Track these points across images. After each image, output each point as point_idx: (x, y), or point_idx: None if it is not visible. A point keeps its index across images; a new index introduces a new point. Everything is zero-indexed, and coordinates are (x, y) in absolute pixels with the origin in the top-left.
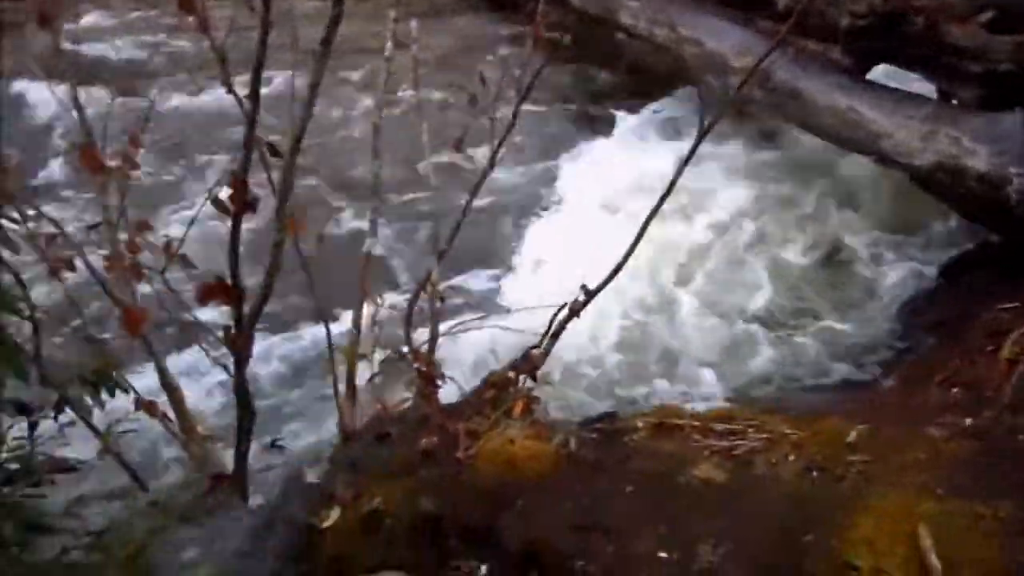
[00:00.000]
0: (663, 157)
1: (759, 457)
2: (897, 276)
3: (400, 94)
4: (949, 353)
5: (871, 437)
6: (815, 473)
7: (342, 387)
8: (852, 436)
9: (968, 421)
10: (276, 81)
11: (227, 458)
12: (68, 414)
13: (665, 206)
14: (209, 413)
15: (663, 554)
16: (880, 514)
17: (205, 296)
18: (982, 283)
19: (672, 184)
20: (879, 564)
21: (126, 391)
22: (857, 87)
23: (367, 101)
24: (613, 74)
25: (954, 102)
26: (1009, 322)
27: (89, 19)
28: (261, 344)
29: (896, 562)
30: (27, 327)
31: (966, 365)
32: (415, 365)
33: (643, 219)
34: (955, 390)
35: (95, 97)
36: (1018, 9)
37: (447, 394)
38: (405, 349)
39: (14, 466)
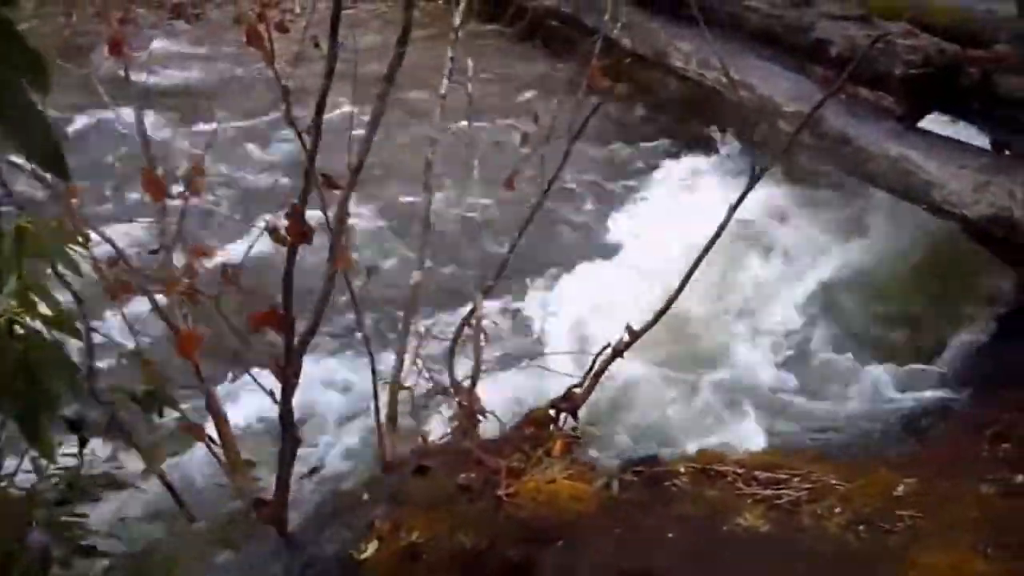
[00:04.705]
0: (713, 201)
1: (804, 508)
2: (948, 330)
3: (453, 130)
4: (999, 408)
5: (920, 492)
6: (862, 527)
7: (384, 418)
8: (900, 490)
9: (1020, 478)
10: (334, 113)
11: (268, 484)
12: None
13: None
14: (252, 439)
15: None
16: (928, 572)
17: (257, 323)
18: None
19: (720, 229)
20: None
21: (176, 411)
22: (909, 135)
23: (420, 135)
24: (664, 116)
25: (1007, 153)
26: None
27: (154, 47)
28: (306, 372)
29: None
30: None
31: (1017, 420)
32: (456, 399)
33: (690, 263)
34: (1005, 445)
35: (160, 124)
36: None
37: (487, 429)
38: (447, 383)
39: (63, 485)
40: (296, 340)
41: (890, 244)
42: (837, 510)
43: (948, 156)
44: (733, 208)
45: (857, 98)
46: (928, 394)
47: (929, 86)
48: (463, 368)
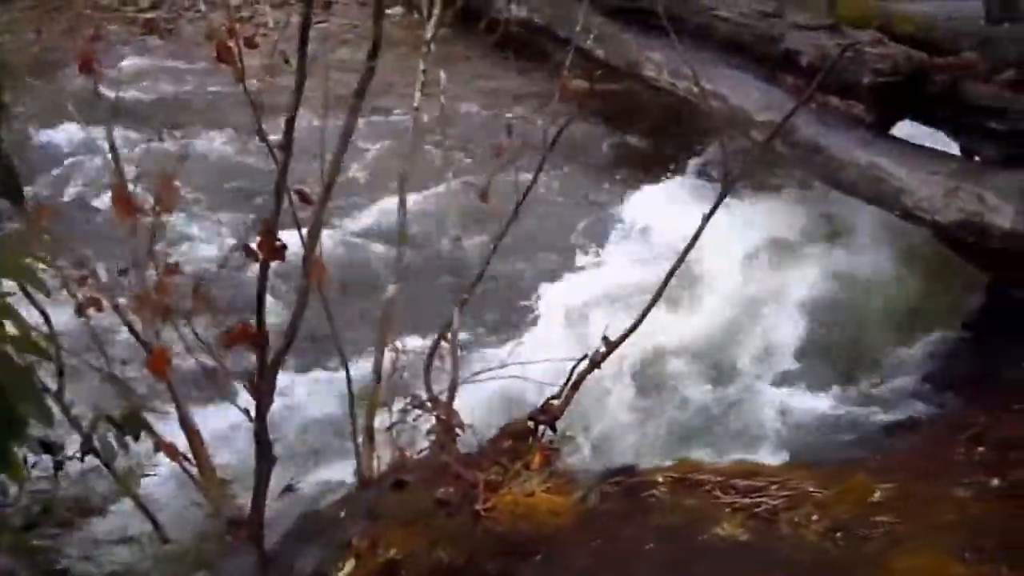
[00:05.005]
0: (687, 213)
1: (782, 516)
2: (922, 334)
3: (427, 144)
4: (974, 411)
5: (897, 497)
6: (839, 534)
7: (360, 433)
8: (877, 496)
9: (995, 481)
10: (305, 128)
11: (244, 502)
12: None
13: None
14: (227, 457)
15: None
16: None
17: (230, 341)
18: (1006, 340)
19: (694, 240)
20: None
21: (151, 435)
22: (879, 142)
23: (394, 148)
24: (639, 129)
25: (977, 159)
26: None
27: (126, 63)
28: (282, 388)
29: None
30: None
31: (992, 423)
32: (434, 413)
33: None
34: (980, 448)
35: (130, 140)
36: None
37: (465, 443)
38: (424, 397)
39: (36, 508)
40: (270, 356)
41: (861, 248)
42: (815, 518)
43: (918, 163)
44: (707, 217)
45: (828, 107)
46: (903, 398)
47: (898, 94)
48: (440, 382)
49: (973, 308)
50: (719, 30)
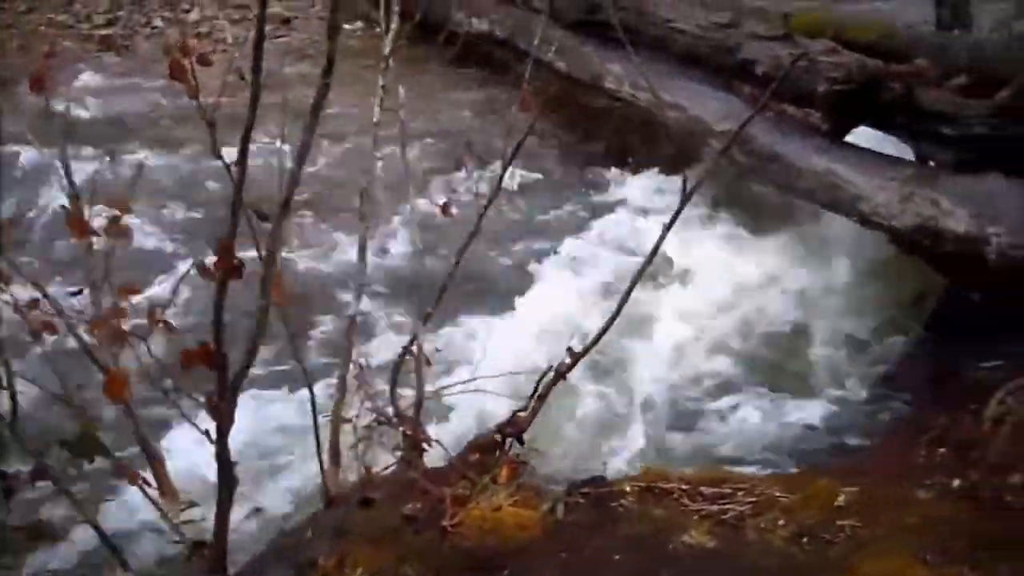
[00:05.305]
0: (653, 223)
1: (749, 522)
2: (881, 336)
3: (387, 158)
4: (934, 413)
5: (860, 501)
6: (805, 539)
7: (326, 451)
8: (841, 500)
9: (956, 482)
10: (263, 145)
11: (207, 525)
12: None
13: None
14: (190, 480)
15: None
16: None
17: (188, 362)
18: (963, 341)
19: (655, 249)
20: None
21: (107, 456)
22: (835, 149)
23: (354, 164)
24: (601, 141)
25: (931, 164)
26: (991, 380)
27: (82, 80)
28: (244, 407)
29: None
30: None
31: (950, 425)
32: (400, 429)
33: (627, 284)
34: (941, 450)
35: (85, 159)
36: (990, 73)
37: (432, 457)
38: (390, 412)
39: None
40: (230, 377)
41: (821, 254)
42: (781, 523)
43: (874, 169)
44: (667, 227)
45: (784, 115)
46: (864, 402)
47: (852, 101)
48: (406, 397)
49: (931, 311)
50: (677, 42)
